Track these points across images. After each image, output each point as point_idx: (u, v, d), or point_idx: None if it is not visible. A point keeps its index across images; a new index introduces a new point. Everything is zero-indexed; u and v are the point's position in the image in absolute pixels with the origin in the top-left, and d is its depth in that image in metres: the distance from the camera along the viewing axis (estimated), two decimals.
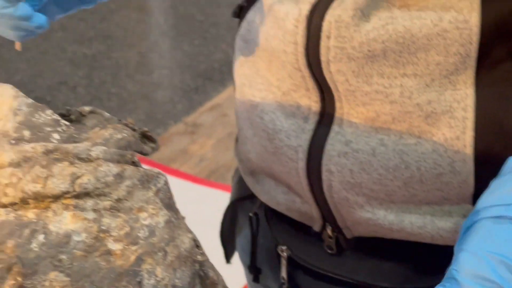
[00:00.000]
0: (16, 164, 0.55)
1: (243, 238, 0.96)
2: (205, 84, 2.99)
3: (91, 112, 0.65)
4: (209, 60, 3.13)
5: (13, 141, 0.57)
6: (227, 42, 3.24)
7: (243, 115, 0.85)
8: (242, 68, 0.84)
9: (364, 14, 0.73)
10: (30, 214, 0.53)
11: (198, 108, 2.82)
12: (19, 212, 0.53)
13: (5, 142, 0.57)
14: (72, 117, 0.65)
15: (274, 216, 0.88)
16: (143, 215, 0.54)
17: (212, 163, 2.58)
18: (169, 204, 0.56)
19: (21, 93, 0.63)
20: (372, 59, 0.73)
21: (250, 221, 0.90)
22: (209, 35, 3.30)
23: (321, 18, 0.74)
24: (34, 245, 0.52)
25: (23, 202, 0.54)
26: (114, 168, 0.55)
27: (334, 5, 0.73)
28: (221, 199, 2.02)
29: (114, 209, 0.54)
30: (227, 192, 2.38)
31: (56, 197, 0.54)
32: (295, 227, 0.86)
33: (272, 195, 0.85)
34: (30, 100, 0.62)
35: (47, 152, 0.55)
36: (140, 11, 3.55)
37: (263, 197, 0.87)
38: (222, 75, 3.05)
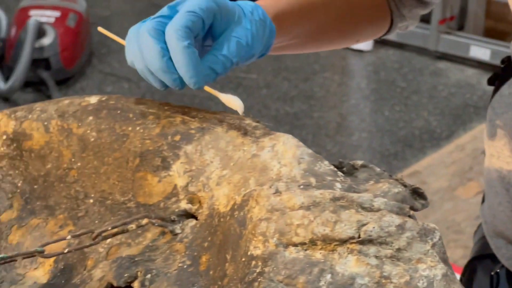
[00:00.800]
0: (307, 208, 0.59)
1: None
2: (404, 150, 3.01)
3: (362, 166, 0.69)
4: (410, 127, 3.15)
5: (302, 186, 0.62)
6: (428, 111, 3.25)
7: (490, 183, 0.88)
8: (492, 138, 0.87)
9: None
10: (317, 254, 0.58)
11: (397, 174, 2.83)
12: (308, 252, 0.58)
13: (294, 186, 0.62)
14: (345, 169, 0.69)
15: None
16: (422, 266, 0.57)
17: None
18: (444, 258, 0.59)
19: (301, 143, 0.68)
20: None
21: (490, 279, 0.92)
22: (410, 102, 3.32)
23: None
24: (322, 283, 0.56)
25: (312, 243, 0.58)
26: (396, 219, 0.59)
27: None
28: None
29: (395, 258, 0.58)
30: None
31: (343, 241, 0.58)
32: None
33: None
34: (310, 150, 0.67)
35: (334, 199, 0.60)
36: (343, 74, 3.62)
37: (505, 262, 0.88)
38: (422, 143, 3.05)
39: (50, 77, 3.23)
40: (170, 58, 0.70)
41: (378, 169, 0.69)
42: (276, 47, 0.80)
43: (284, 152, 0.66)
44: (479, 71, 3.51)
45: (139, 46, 0.70)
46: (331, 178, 0.64)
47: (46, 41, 3.22)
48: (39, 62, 3.22)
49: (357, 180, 0.67)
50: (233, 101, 0.71)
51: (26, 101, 3.30)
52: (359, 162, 0.69)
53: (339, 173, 0.66)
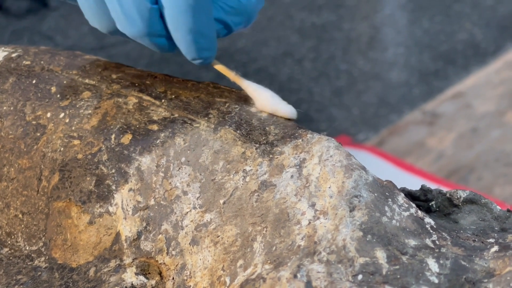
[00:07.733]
0: None
1: None
2: (446, 68, 2.66)
3: (467, 201, 0.37)
4: (451, 41, 2.79)
5: (360, 276, 0.30)
6: (473, 21, 2.88)
7: None
8: None
9: None
10: None
11: (438, 96, 2.49)
12: None
13: (345, 275, 0.30)
14: (433, 205, 0.37)
15: None
16: None
17: (452, 161, 2.26)
18: None
19: (352, 158, 0.36)
20: None
21: None
22: (452, 12, 2.95)
23: None
24: None
25: None
26: None
27: None
28: None
29: None
30: None
31: None
32: None
33: None
34: (370, 176, 0.35)
35: None
36: None
37: None
38: (466, 59, 2.70)
39: None
40: (160, 16, 0.38)
41: (497, 208, 0.37)
42: None
43: (322, 181, 0.34)
44: None
45: None
46: (416, 244, 0.32)
47: None
48: None
49: (461, 235, 0.35)
50: (272, 103, 0.38)
51: (20, 8, 2.97)
52: (462, 194, 0.37)
53: (428, 224, 0.34)
